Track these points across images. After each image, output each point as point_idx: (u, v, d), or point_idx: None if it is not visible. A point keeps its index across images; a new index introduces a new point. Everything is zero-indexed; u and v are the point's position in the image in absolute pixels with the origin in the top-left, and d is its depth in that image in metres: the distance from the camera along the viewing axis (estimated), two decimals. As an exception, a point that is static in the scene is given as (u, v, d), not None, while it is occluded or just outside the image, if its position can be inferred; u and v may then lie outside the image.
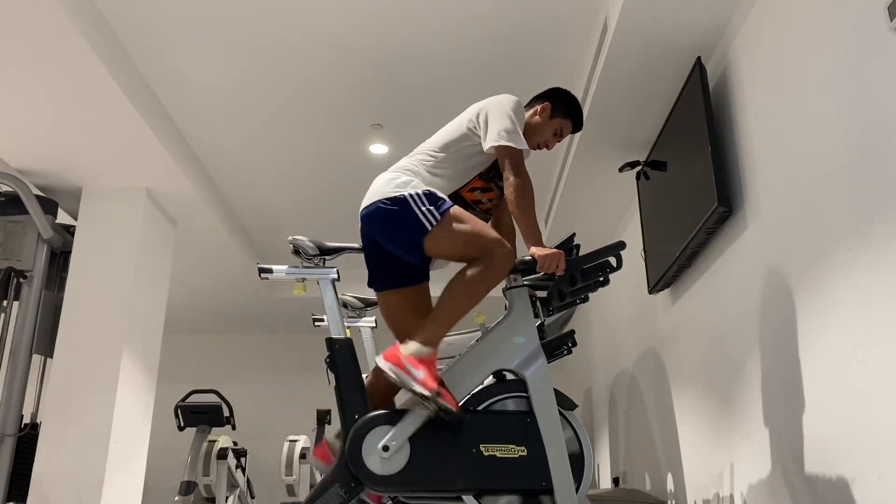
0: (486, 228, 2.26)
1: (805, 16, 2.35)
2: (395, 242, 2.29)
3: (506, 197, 2.32)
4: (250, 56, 3.69)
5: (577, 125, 2.63)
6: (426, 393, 2.06)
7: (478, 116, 2.40)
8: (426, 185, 2.33)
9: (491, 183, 2.47)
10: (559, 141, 2.62)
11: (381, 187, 2.32)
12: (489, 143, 2.34)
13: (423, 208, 2.23)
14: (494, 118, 2.36)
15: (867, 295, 1.98)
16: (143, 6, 3.34)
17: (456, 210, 2.26)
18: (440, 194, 2.28)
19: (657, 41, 3.11)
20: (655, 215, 3.75)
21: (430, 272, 2.52)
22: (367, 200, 2.34)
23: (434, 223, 2.21)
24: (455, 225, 2.23)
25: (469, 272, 2.20)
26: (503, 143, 2.32)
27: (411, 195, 2.25)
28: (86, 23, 3.21)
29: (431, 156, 2.40)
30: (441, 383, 2.13)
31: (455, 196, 2.40)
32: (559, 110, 2.58)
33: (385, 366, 2.10)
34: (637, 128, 3.81)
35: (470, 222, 2.24)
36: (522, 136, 2.36)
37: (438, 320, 2.18)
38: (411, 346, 2.12)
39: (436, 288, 2.25)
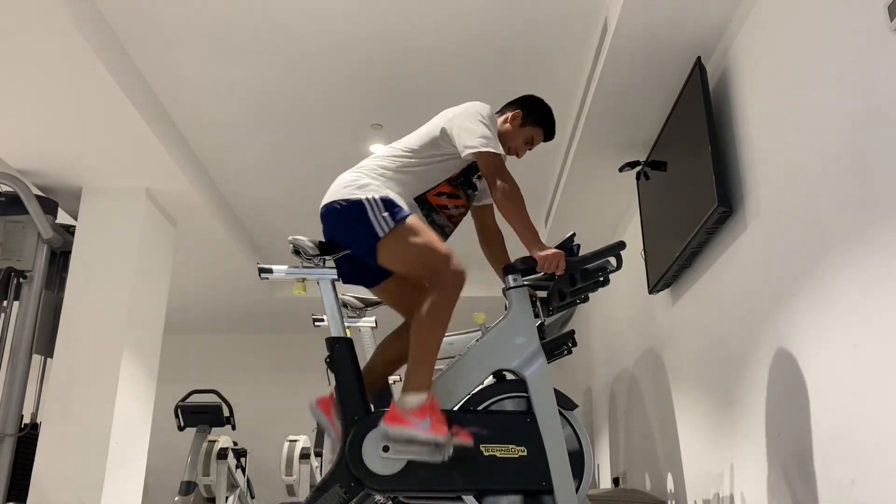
0: (437, 244, 2.22)
1: (805, 16, 2.35)
2: (352, 245, 2.28)
3: (496, 203, 2.31)
4: (251, 56, 3.69)
5: (548, 134, 2.61)
6: (441, 439, 2.07)
7: (451, 122, 2.37)
8: (390, 185, 2.30)
9: (459, 190, 2.44)
10: (530, 149, 2.61)
11: (341, 188, 2.30)
12: (469, 149, 2.31)
13: (379, 214, 2.21)
14: (471, 125, 2.34)
15: (867, 295, 1.98)
16: (143, 7, 3.34)
17: (412, 220, 2.23)
18: (398, 202, 2.25)
19: (657, 41, 3.11)
20: (655, 215, 3.75)
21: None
22: (325, 200, 2.32)
23: (387, 230, 2.20)
24: (408, 236, 2.20)
25: (425, 306, 2.17)
26: (485, 149, 2.30)
27: (368, 199, 2.23)
28: (86, 23, 3.21)
29: (400, 157, 2.37)
30: (449, 422, 2.12)
31: (421, 199, 2.38)
32: (530, 119, 2.56)
33: (391, 430, 2.09)
34: (637, 128, 3.81)
35: (423, 235, 2.21)
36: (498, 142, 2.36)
37: (418, 363, 2.15)
38: (407, 401, 2.11)
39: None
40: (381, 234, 2.20)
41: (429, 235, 2.23)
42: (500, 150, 2.34)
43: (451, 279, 2.18)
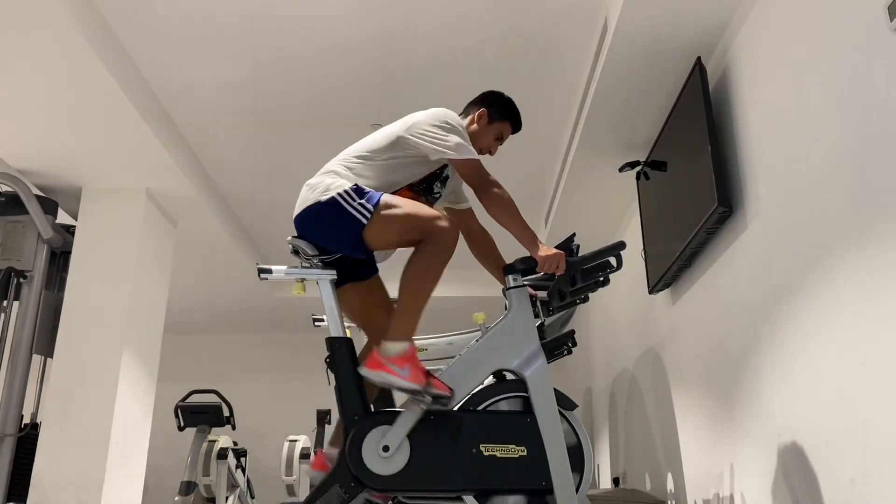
0: (421, 208, 2.24)
1: (805, 16, 2.35)
2: (336, 243, 2.29)
3: (488, 211, 2.31)
4: (251, 56, 3.69)
5: (515, 126, 2.61)
6: (417, 387, 2.10)
7: (414, 128, 2.36)
8: (353, 178, 2.31)
9: (420, 197, 2.44)
10: (500, 144, 2.61)
11: (308, 195, 2.31)
12: (447, 156, 2.32)
13: (355, 203, 2.22)
14: (443, 133, 2.33)
15: (867, 295, 1.98)
16: (143, 7, 3.33)
17: (387, 198, 2.25)
18: (367, 187, 2.27)
19: (657, 41, 3.11)
20: (655, 215, 3.75)
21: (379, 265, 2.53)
22: (297, 209, 2.34)
23: (369, 216, 2.21)
24: (389, 212, 2.22)
25: (418, 257, 2.19)
26: (466, 157, 2.31)
27: (339, 194, 2.24)
28: (86, 23, 3.21)
29: (359, 160, 2.36)
30: (427, 373, 2.15)
31: None
32: (496, 115, 2.56)
33: (370, 374, 2.13)
34: (637, 128, 3.81)
35: (403, 206, 2.23)
36: None
37: (405, 312, 2.18)
38: (389, 348, 2.14)
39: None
40: (364, 221, 2.21)
41: (408, 204, 2.24)
42: (476, 156, 2.35)
43: (445, 236, 2.20)
